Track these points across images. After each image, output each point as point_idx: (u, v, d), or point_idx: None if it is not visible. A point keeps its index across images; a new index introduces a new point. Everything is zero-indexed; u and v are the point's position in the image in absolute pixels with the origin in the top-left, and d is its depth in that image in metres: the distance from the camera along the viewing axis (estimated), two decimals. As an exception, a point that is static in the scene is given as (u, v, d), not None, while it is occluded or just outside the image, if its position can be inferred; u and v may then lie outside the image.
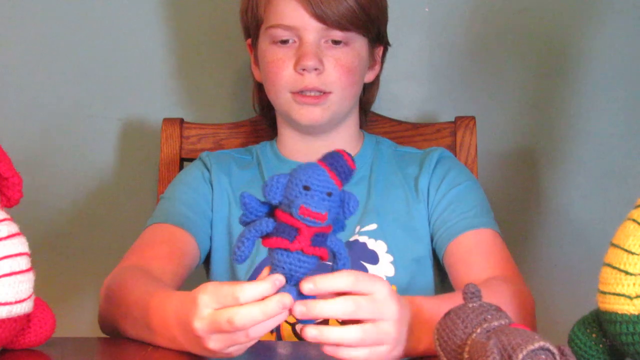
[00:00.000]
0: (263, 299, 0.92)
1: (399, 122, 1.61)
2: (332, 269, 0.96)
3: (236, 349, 0.97)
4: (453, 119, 1.59)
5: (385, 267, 1.34)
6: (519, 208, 1.69)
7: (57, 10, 1.70)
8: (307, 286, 0.93)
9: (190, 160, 1.60)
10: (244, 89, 1.70)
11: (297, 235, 0.93)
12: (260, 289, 0.92)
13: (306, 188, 0.92)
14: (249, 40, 1.47)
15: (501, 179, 1.69)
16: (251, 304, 0.91)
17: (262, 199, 0.95)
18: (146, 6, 1.70)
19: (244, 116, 1.66)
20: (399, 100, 1.69)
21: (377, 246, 1.35)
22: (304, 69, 1.35)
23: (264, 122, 1.56)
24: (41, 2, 1.69)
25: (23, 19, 1.70)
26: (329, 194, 0.92)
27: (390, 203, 1.39)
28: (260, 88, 1.49)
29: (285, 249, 0.93)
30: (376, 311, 0.95)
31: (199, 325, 0.95)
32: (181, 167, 1.60)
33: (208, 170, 1.44)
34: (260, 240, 0.95)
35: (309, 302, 0.93)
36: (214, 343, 0.96)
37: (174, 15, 1.70)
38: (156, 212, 1.40)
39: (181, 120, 1.61)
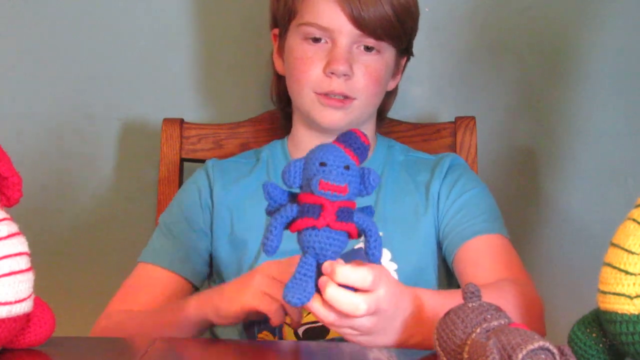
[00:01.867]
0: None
1: (399, 122, 1.61)
2: (365, 249, 0.96)
3: (267, 305, 1.12)
4: (453, 119, 1.59)
5: None
6: (519, 208, 1.69)
7: (57, 10, 1.69)
8: (325, 268, 0.93)
9: (191, 160, 1.60)
10: (245, 89, 1.70)
11: (322, 211, 0.92)
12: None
13: (323, 164, 0.93)
14: (275, 30, 1.45)
15: (501, 179, 1.68)
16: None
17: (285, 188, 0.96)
18: (146, 6, 1.70)
19: (244, 116, 1.65)
20: (399, 100, 1.68)
21: None
22: (333, 73, 1.34)
23: (277, 116, 1.55)
24: (41, 2, 1.69)
25: (23, 18, 1.70)
26: (347, 167, 0.94)
27: (399, 211, 1.38)
28: (279, 80, 1.48)
29: (313, 227, 0.93)
30: (375, 309, 0.95)
31: (259, 277, 1.14)
32: (181, 168, 1.60)
33: (210, 186, 1.43)
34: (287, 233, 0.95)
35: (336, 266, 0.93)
36: (259, 281, 1.14)
37: (174, 15, 1.70)
38: (149, 245, 1.40)
39: (181, 121, 1.61)
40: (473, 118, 1.58)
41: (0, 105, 1.70)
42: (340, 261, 0.94)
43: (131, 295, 1.35)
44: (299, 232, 0.94)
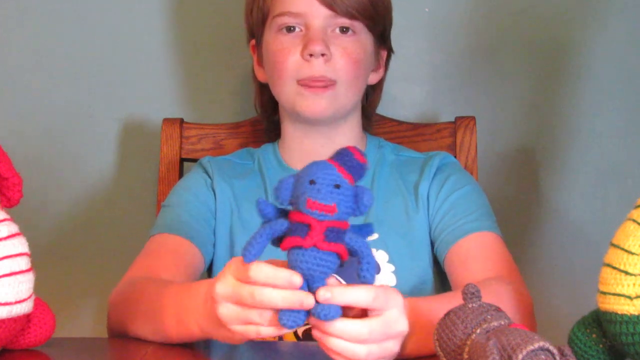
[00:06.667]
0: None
1: (399, 122, 1.61)
2: (357, 271, 0.93)
3: (241, 330, 0.96)
4: (453, 119, 1.59)
5: (386, 276, 1.33)
6: (519, 208, 1.69)
7: (57, 10, 1.70)
8: (323, 294, 0.91)
9: (191, 160, 1.60)
10: (245, 89, 1.70)
11: (309, 231, 0.90)
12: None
13: (312, 182, 0.90)
14: (253, 41, 1.46)
15: (501, 179, 1.69)
16: (275, 289, 0.91)
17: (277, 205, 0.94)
18: (146, 6, 1.70)
19: (244, 116, 1.66)
20: (399, 100, 1.69)
21: (379, 256, 1.34)
22: (311, 55, 1.33)
23: (264, 124, 1.55)
24: (41, 2, 1.69)
25: (23, 18, 1.70)
26: (337, 186, 0.91)
27: (391, 212, 1.38)
28: (262, 90, 1.48)
29: (299, 247, 0.90)
30: (385, 334, 0.95)
31: (221, 288, 0.95)
32: (181, 167, 1.60)
33: (210, 178, 1.42)
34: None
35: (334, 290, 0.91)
36: (225, 310, 0.95)
37: (174, 15, 1.70)
38: (159, 221, 1.38)
39: (181, 120, 1.61)
40: (473, 118, 1.58)
41: (0, 105, 1.70)
42: (333, 281, 0.93)
43: (152, 261, 1.30)
44: (288, 251, 0.92)
